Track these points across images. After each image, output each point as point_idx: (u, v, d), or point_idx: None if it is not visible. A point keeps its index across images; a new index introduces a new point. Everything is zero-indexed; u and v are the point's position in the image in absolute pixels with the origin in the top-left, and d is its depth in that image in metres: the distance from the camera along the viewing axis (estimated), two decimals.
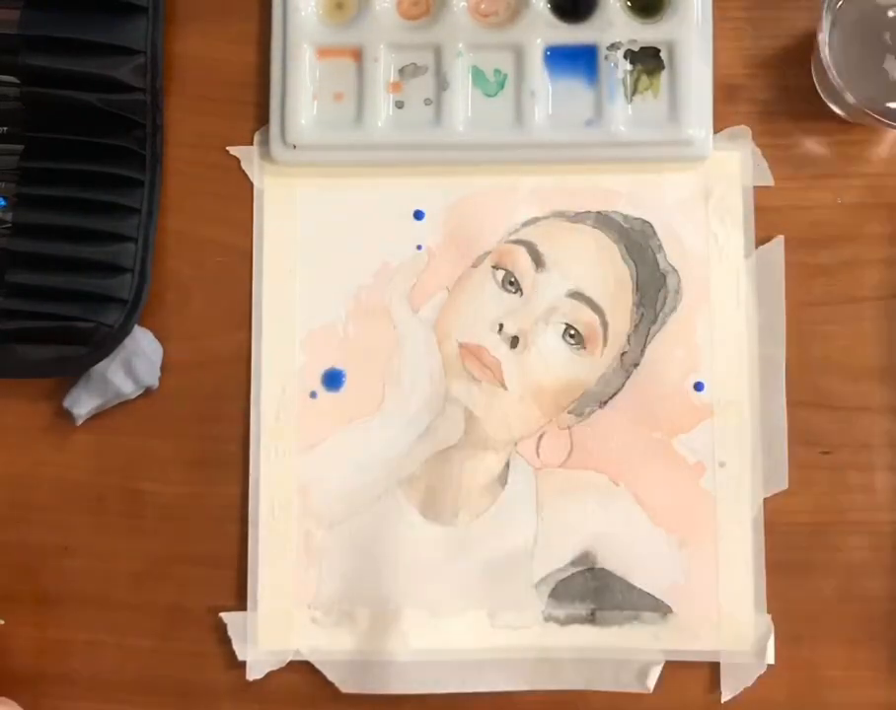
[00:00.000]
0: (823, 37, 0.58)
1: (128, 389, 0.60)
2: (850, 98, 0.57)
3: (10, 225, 0.61)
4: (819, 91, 0.62)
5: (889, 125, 0.58)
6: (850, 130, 0.62)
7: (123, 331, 0.60)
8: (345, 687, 0.59)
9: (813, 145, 0.62)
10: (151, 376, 0.61)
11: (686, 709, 0.59)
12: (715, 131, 0.61)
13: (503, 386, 0.61)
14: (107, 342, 0.60)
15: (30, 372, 0.60)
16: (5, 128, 0.62)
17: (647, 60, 0.61)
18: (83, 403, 0.60)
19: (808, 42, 0.61)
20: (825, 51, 0.58)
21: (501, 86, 0.62)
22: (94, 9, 0.60)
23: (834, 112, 0.61)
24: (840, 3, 0.58)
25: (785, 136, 0.62)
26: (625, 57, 0.61)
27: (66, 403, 0.60)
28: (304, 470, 0.61)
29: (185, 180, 0.63)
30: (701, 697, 0.59)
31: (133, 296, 0.61)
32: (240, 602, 0.60)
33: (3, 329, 0.60)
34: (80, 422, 0.61)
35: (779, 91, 0.62)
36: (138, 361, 0.60)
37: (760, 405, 0.60)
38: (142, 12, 0.61)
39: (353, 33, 0.62)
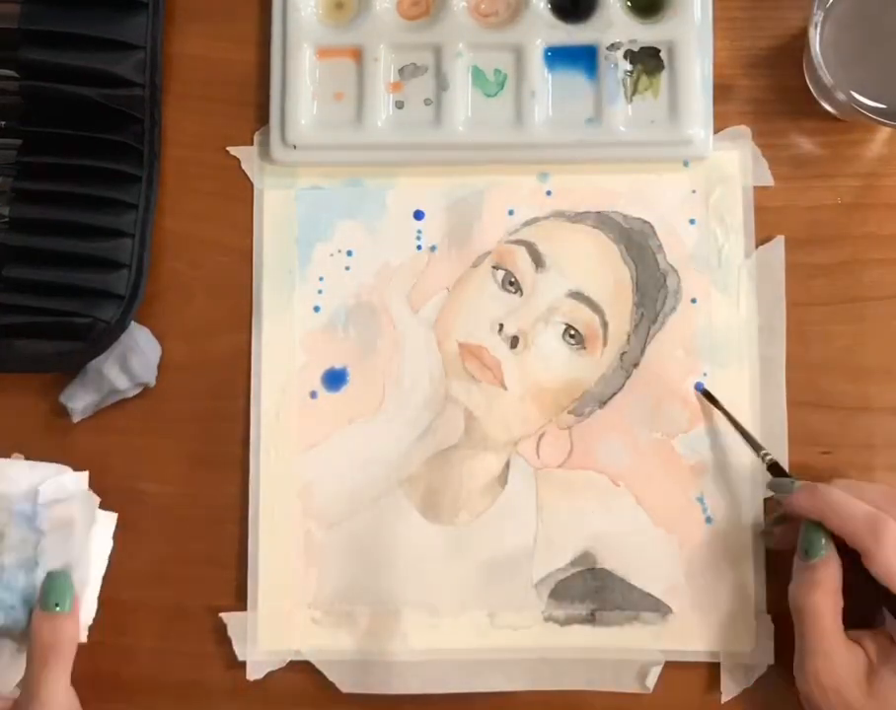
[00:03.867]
0: (814, 34, 0.57)
1: (123, 384, 0.60)
2: (840, 95, 0.57)
3: (7, 219, 0.61)
4: (811, 88, 0.61)
5: (879, 122, 0.57)
6: (849, 130, 0.62)
7: (120, 327, 0.60)
8: (345, 687, 0.59)
9: (813, 145, 0.62)
10: (147, 372, 0.60)
11: (686, 709, 0.59)
12: (715, 131, 0.61)
13: (503, 386, 0.61)
14: (103, 338, 0.60)
15: (26, 367, 0.60)
16: (3, 122, 0.61)
17: (647, 60, 0.61)
18: (79, 398, 0.60)
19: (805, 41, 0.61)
20: (816, 48, 0.57)
21: (501, 86, 0.62)
22: (94, 4, 0.60)
23: (832, 111, 0.61)
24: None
25: (785, 136, 0.62)
26: (625, 57, 0.61)
27: (63, 399, 0.60)
28: (304, 470, 0.60)
29: (184, 180, 0.63)
30: (701, 697, 0.59)
31: (130, 292, 0.60)
32: (240, 602, 0.60)
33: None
34: (77, 418, 0.60)
35: (777, 90, 0.62)
36: (134, 357, 0.60)
37: (760, 405, 0.60)
38: (142, 8, 0.61)
39: (353, 33, 0.62)
